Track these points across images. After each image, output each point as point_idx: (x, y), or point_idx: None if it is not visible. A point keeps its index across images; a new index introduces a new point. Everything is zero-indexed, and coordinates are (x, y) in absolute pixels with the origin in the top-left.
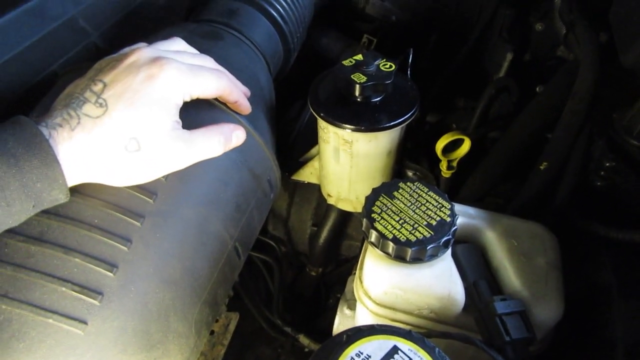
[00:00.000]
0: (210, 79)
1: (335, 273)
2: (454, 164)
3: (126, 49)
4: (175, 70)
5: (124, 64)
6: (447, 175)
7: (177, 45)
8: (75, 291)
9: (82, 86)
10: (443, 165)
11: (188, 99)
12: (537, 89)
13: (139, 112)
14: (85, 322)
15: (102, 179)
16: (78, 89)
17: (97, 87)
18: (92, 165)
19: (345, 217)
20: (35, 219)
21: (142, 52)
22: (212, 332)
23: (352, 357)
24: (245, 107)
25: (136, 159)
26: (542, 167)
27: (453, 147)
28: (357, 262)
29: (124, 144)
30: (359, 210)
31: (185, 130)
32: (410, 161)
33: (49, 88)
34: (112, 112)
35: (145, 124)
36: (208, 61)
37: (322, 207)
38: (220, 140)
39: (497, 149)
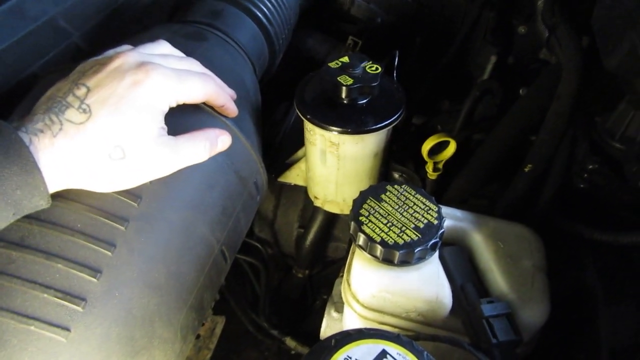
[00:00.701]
0: (197, 84)
1: (322, 275)
2: (440, 165)
3: (110, 52)
4: (161, 75)
5: (109, 68)
6: (433, 177)
7: (162, 48)
8: (58, 297)
9: (65, 90)
10: (429, 167)
11: (174, 105)
12: (520, 91)
13: (123, 119)
14: (68, 329)
15: (85, 185)
16: (60, 92)
17: (81, 91)
18: (75, 172)
19: (331, 218)
20: (16, 224)
21: (127, 56)
22: (198, 336)
23: None
24: (232, 110)
25: (120, 167)
26: (526, 169)
27: (439, 149)
28: (344, 264)
29: (108, 151)
30: (346, 212)
31: (170, 137)
32: (396, 163)
33: (28, 90)
34: (96, 118)
35: (130, 131)
36: (194, 65)
37: (309, 208)
38: (205, 146)
39: (481, 150)
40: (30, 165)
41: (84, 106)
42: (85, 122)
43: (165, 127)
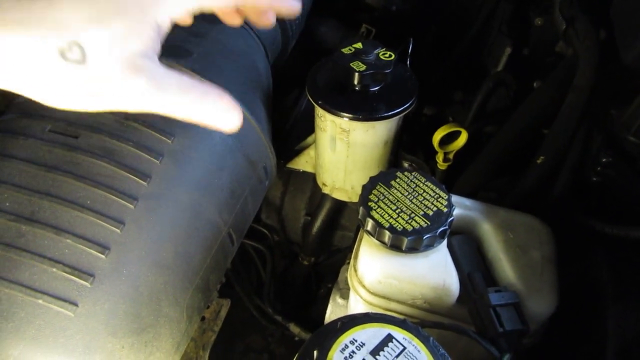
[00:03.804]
0: None
1: (327, 263)
2: (450, 156)
3: None
4: None
5: None
6: (443, 168)
7: None
8: (66, 272)
9: None
10: (439, 157)
11: (184, 16)
12: (535, 84)
13: (95, 13)
14: (75, 304)
15: (24, 89)
16: None
17: None
18: (6, 67)
19: (339, 207)
20: (26, 198)
21: None
22: (202, 318)
23: (346, 344)
24: (289, 7)
25: (76, 75)
26: (539, 161)
27: (449, 139)
28: (351, 251)
29: (61, 46)
30: (354, 200)
31: (158, 66)
32: (406, 153)
33: None
34: None
35: (101, 31)
36: None
37: (316, 196)
38: (202, 104)
39: (492, 143)
40: None
41: None
42: None
43: (157, 51)
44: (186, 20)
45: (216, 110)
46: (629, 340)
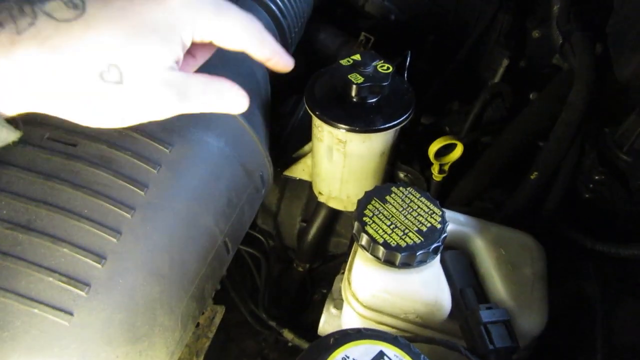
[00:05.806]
0: (238, 24)
1: (322, 269)
2: (446, 167)
3: None
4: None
5: None
6: (438, 179)
7: None
8: (62, 281)
9: None
10: (435, 169)
11: (198, 41)
12: (531, 96)
13: (130, 32)
14: (71, 313)
15: (62, 112)
16: None
17: None
18: (47, 92)
19: (334, 214)
20: (23, 206)
21: None
22: (197, 325)
23: None
24: (283, 64)
25: (114, 94)
26: (532, 177)
27: (445, 151)
28: (345, 260)
29: (100, 69)
30: (350, 209)
31: (181, 75)
32: (402, 162)
33: None
34: (91, 19)
35: (136, 51)
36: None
37: (312, 203)
38: (220, 97)
39: (488, 154)
40: None
41: (75, 0)
42: (72, 21)
43: (180, 62)
44: (205, 41)
45: (230, 100)
46: (617, 356)
